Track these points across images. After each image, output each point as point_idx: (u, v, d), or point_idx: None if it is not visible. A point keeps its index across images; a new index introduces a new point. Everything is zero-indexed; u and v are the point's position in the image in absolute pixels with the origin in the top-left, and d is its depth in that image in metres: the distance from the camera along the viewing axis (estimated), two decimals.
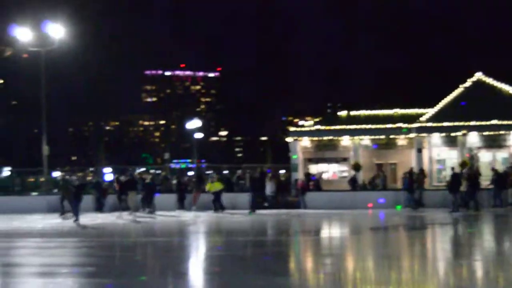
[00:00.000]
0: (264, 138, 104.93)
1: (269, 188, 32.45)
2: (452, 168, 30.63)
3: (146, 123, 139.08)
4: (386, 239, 20.06)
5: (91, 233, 22.64)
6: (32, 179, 44.37)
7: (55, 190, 34.16)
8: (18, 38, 37.63)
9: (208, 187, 31.32)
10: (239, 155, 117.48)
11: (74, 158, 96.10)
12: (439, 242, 20.17)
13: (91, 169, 71.94)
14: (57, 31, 36.47)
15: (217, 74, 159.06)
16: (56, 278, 12.47)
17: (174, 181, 36.55)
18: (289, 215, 29.12)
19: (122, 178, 32.24)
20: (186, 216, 29.54)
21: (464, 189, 28.49)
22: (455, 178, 28.94)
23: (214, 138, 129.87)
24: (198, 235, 22.75)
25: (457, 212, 27.13)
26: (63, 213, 28.56)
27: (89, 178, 44.42)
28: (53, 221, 27.36)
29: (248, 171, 38.34)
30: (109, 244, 19.25)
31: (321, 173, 38.03)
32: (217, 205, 30.31)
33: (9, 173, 47.94)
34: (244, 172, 39.13)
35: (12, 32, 38.09)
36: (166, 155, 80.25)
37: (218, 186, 30.75)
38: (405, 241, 20.04)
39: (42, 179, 38.79)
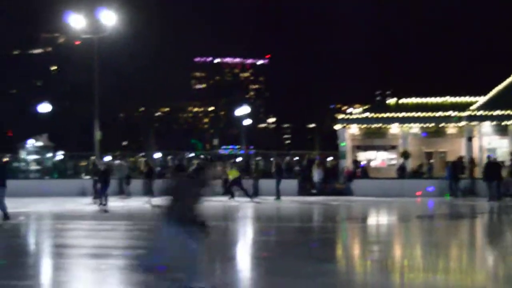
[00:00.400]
0: (312, 125, 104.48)
1: (317, 175, 32.49)
2: (488, 157, 30.21)
3: (196, 109, 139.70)
4: (433, 227, 19.90)
5: (143, 216, 22.94)
6: (84, 163, 45.08)
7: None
8: (72, 25, 38.18)
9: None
10: (287, 142, 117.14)
11: (125, 143, 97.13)
12: (485, 231, 20.00)
13: (141, 154, 72.71)
14: (109, 18, 36.89)
15: (266, 61, 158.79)
16: (108, 260, 12.71)
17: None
18: (336, 201, 29.09)
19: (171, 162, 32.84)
20: (229, 201, 29.63)
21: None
22: (489, 167, 28.54)
23: (263, 125, 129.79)
24: (245, 220, 22.88)
25: (491, 201, 26.88)
26: (96, 197, 28.34)
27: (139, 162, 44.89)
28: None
29: (273, 158, 38.36)
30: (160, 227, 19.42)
31: (369, 161, 37.87)
32: (233, 190, 30.51)
33: (62, 157, 48.73)
34: (291, 158, 39.27)
35: (67, 19, 38.72)
36: (215, 141, 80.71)
37: (235, 173, 30.91)
38: (452, 230, 19.86)
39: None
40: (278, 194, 30.01)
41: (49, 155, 44.05)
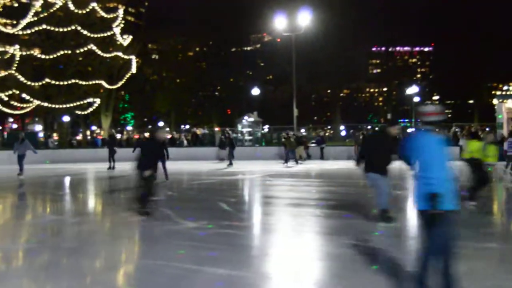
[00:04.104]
0: (471, 101, 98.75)
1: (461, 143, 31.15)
2: None
3: (372, 90, 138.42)
4: None
5: (332, 175, 22.99)
6: (284, 134, 46.08)
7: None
8: (275, 26, 38.99)
9: None
10: (449, 116, 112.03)
11: (315, 118, 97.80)
12: None
13: (329, 126, 72.91)
14: (304, 19, 37.17)
15: (431, 48, 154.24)
16: (306, 208, 12.91)
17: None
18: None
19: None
20: None
21: None
22: None
23: (428, 102, 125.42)
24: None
25: None
26: (110, 167, 26.78)
27: (327, 134, 44.91)
28: (299, 166, 28.23)
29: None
30: (343, 184, 19.37)
31: None
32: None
33: (267, 129, 50.11)
34: (462, 129, 37.88)
35: (272, 22, 39.62)
36: (389, 116, 78.93)
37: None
38: None
39: (291, 133, 40.06)
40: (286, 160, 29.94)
41: (258, 128, 45.46)
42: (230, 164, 28.72)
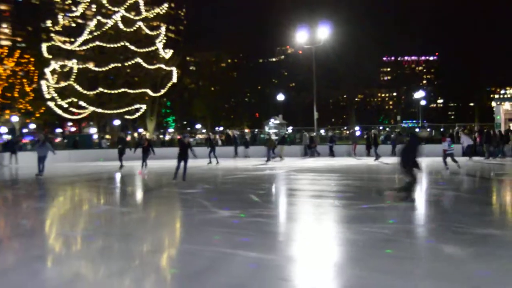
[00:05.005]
0: (471, 104, 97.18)
1: (465, 141, 30.33)
2: None
3: (383, 95, 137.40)
4: None
5: (343, 170, 22.75)
6: (267, 134, 45.84)
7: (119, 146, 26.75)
8: (297, 39, 38.85)
9: None
10: (452, 117, 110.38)
11: (333, 120, 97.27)
12: None
13: (345, 127, 72.37)
14: (323, 32, 36.95)
15: (435, 57, 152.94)
16: (326, 199, 12.79)
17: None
18: (488, 161, 26.74)
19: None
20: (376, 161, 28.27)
21: None
22: None
23: (433, 105, 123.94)
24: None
25: None
26: (121, 166, 25.40)
27: (343, 134, 44.54)
28: (318, 162, 28.07)
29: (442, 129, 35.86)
30: (358, 178, 19.17)
31: None
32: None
33: (291, 130, 50.00)
34: (464, 128, 37.01)
35: (294, 36, 39.51)
36: (398, 118, 78.21)
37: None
38: None
39: (313, 134, 39.85)
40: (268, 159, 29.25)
41: (283, 129, 45.36)
42: (210, 162, 28.16)
